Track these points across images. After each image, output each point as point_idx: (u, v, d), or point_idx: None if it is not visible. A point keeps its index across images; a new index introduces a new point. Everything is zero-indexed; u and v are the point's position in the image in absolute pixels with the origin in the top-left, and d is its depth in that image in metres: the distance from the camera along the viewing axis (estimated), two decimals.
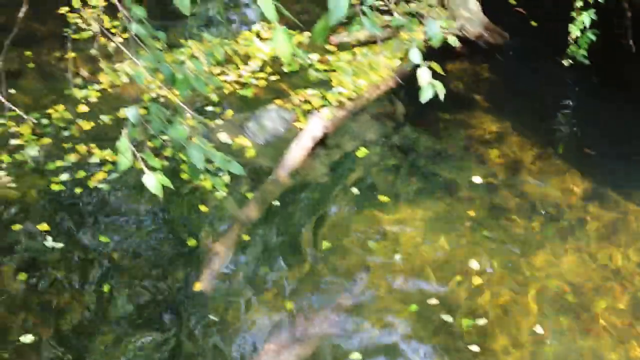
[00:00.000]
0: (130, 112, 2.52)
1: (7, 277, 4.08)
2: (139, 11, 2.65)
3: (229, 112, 5.00)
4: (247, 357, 3.75)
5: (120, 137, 2.49)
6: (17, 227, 4.19)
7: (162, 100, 5.08)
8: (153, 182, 2.46)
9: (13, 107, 3.18)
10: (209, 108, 4.93)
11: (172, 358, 3.72)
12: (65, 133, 4.90)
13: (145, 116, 2.66)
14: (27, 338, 3.73)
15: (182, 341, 3.80)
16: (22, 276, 4.01)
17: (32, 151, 4.64)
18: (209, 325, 3.87)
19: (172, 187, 2.57)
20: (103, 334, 3.82)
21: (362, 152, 4.87)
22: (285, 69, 5.46)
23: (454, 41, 5.10)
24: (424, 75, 2.62)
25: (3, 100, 3.08)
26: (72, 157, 4.65)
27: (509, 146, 4.86)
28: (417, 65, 2.62)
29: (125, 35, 3.76)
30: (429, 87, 2.63)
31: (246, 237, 4.25)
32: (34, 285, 4.05)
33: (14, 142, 4.78)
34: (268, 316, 3.88)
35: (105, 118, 4.93)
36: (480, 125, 5.04)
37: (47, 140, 4.78)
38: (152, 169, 2.51)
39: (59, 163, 4.63)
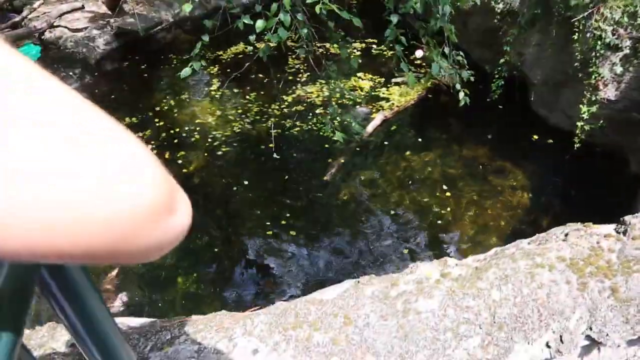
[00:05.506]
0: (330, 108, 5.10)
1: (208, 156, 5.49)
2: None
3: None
4: (358, 219, 4.58)
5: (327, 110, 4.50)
6: None
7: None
8: (340, 136, 4.07)
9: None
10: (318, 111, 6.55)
11: (294, 219, 4.60)
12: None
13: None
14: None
15: (307, 215, 4.63)
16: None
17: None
18: (330, 203, 4.81)
19: (344, 139, 4.06)
20: (242, 202, 4.72)
21: (396, 128, 6.47)
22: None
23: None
24: (461, 94, 3.84)
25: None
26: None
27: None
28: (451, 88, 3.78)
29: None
30: (464, 98, 3.88)
31: (342, 160, 5.56)
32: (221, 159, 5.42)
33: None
34: (355, 201, 4.91)
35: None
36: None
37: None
38: (336, 129, 4.07)
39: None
